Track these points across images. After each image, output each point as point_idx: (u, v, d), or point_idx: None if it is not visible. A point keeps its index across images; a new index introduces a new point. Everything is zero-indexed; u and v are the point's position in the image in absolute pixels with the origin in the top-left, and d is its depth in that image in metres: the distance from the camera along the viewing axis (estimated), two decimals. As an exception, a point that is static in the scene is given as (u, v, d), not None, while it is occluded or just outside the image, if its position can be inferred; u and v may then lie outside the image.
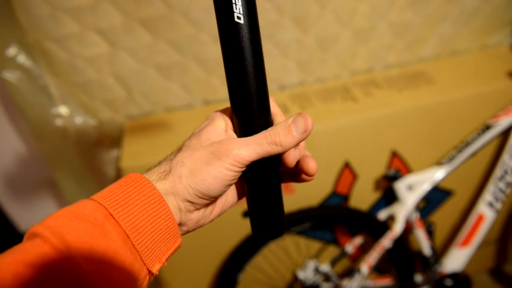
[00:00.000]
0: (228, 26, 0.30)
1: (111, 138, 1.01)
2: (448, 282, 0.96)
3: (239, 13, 0.29)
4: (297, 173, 0.35)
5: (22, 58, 0.89)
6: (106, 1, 0.85)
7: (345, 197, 0.97)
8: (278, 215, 0.35)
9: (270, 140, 0.31)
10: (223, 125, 0.34)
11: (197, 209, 0.32)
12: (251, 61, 0.31)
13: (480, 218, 0.96)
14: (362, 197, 0.98)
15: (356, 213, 0.94)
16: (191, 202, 0.31)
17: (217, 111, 0.36)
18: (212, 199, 0.32)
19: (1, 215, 1.39)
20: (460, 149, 0.92)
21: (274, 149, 0.31)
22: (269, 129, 0.32)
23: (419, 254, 0.98)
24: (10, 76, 0.89)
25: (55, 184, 1.32)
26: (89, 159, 1.02)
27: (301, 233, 1.00)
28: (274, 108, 0.35)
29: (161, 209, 0.29)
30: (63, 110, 0.96)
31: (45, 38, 0.87)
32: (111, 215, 0.28)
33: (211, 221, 0.34)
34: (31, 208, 1.39)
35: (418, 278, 1.01)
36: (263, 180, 0.33)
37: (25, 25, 0.85)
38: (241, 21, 0.29)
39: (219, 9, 0.30)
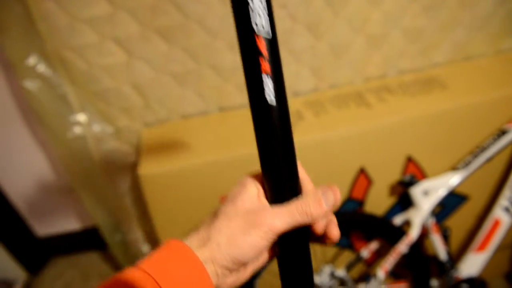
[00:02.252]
0: (261, 108, 0.33)
1: (128, 145, 1.03)
2: (464, 287, 0.96)
3: (271, 97, 0.32)
4: (322, 237, 0.37)
5: (41, 67, 0.91)
6: (123, 11, 0.86)
7: (361, 203, 0.98)
8: (308, 276, 0.37)
9: (302, 211, 0.33)
10: (255, 192, 0.36)
11: (232, 273, 0.34)
12: (281, 138, 0.34)
13: (496, 223, 0.95)
14: (378, 202, 0.98)
15: (372, 218, 0.95)
16: (228, 268, 0.33)
17: (248, 176, 0.38)
18: (246, 264, 0.34)
19: (20, 221, 1.42)
20: (475, 154, 0.92)
21: (304, 220, 0.33)
22: (300, 200, 0.34)
23: (435, 259, 0.98)
24: (30, 85, 0.91)
25: (73, 191, 1.34)
26: (106, 165, 1.04)
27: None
28: (302, 174, 0.37)
29: (203, 278, 0.31)
30: (81, 117, 0.97)
31: (64, 47, 0.89)
32: (159, 285, 0.29)
33: (244, 282, 0.36)
34: (49, 214, 1.42)
35: (434, 283, 1.00)
36: (294, 246, 0.35)
37: (45, 35, 0.87)
38: (274, 104, 0.33)
39: (252, 93, 0.33)
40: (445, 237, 0.97)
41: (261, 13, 0.30)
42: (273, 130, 0.33)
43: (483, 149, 0.92)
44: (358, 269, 1.08)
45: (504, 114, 0.94)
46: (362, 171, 0.94)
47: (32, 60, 0.90)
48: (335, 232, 0.35)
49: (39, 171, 1.31)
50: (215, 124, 0.97)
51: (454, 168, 0.94)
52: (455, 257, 1.09)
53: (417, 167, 0.96)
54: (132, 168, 1.06)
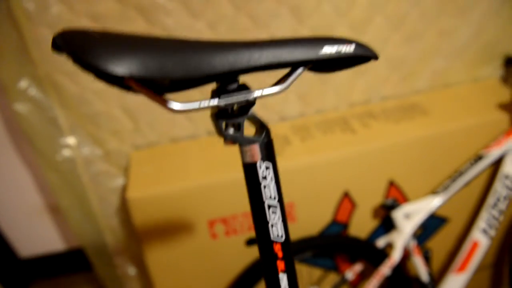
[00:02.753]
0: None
1: (117, 167, 1.04)
2: (446, 308, 0.99)
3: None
4: None
5: (33, 91, 0.92)
6: (116, 38, 0.89)
7: (345, 226, 1.00)
8: None
9: None
10: None
11: None
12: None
13: (475, 245, 0.99)
14: (361, 225, 1.01)
15: (355, 241, 0.97)
16: None
17: None
18: None
19: (2, 241, 1.40)
20: (454, 178, 0.96)
21: None
22: None
23: (417, 280, 1.01)
24: (21, 108, 0.92)
25: (58, 212, 1.34)
26: (95, 187, 1.05)
27: (303, 261, 1.02)
28: None
29: None
30: (71, 140, 0.98)
31: (56, 71, 0.91)
32: None
33: None
34: (33, 235, 1.40)
35: (416, 304, 1.03)
36: None
37: (37, 59, 0.89)
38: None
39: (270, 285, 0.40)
40: (427, 258, 1.00)
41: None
42: None
43: (461, 173, 0.96)
44: (343, 290, 1.10)
45: (480, 140, 0.98)
46: (346, 195, 0.97)
47: (23, 84, 0.91)
48: None
49: (24, 192, 1.30)
50: (204, 148, 0.99)
51: (434, 192, 0.97)
52: (437, 278, 1.12)
53: (399, 191, 0.99)
54: (120, 190, 1.07)
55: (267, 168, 0.38)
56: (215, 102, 0.35)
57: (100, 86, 0.93)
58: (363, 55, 0.39)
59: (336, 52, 0.37)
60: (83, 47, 0.29)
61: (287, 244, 0.38)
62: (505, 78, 1.15)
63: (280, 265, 0.39)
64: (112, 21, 0.87)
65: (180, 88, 0.37)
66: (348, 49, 0.38)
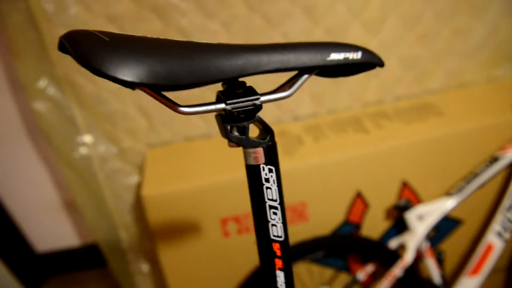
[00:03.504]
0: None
1: (132, 165, 1.06)
2: (459, 310, 0.98)
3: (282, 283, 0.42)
4: None
5: (51, 90, 0.94)
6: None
7: (357, 226, 1.00)
8: None
9: None
10: None
11: None
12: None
13: (489, 248, 0.98)
14: (374, 226, 1.01)
15: (368, 241, 0.97)
16: None
17: None
18: None
19: (19, 237, 1.43)
20: (468, 180, 0.95)
21: None
22: None
23: (429, 282, 1.00)
24: (40, 106, 0.95)
25: (74, 208, 1.37)
26: (110, 184, 1.07)
27: (314, 260, 1.02)
28: None
29: None
30: (87, 138, 1.00)
31: (74, 71, 0.93)
32: None
33: None
34: (49, 230, 1.44)
35: (429, 306, 1.02)
36: None
37: (56, 59, 0.91)
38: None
39: (267, 282, 0.43)
40: (440, 260, 0.99)
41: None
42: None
43: (476, 175, 0.95)
44: (355, 290, 1.10)
45: (496, 141, 0.97)
46: (359, 195, 0.97)
47: (42, 83, 0.93)
48: None
49: (40, 188, 1.33)
50: (217, 147, 1.00)
51: (448, 193, 0.97)
52: (449, 281, 1.11)
53: (412, 192, 0.99)
54: (134, 188, 1.09)
55: (270, 171, 0.39)
56: (222, 106, 0.36)
57: (116, 86, 0.94)
58: (369, 62, 0.39)
59: (343, 59, 0.37)
60: (91, 52, 0.29)
61: (286, 244, 0.40)
62: (521, 79, 1.14)
63: (278, 263, 0.41)
64: (128, 22, 0.88)
65: (188, 88, 0.37)
66: (355, 56, 0.38)
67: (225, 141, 0.39)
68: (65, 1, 0.85)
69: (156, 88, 0.33)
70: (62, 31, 0.87)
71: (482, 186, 0.95)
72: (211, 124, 1.04)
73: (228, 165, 0.93)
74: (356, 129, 0.99)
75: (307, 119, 1.07)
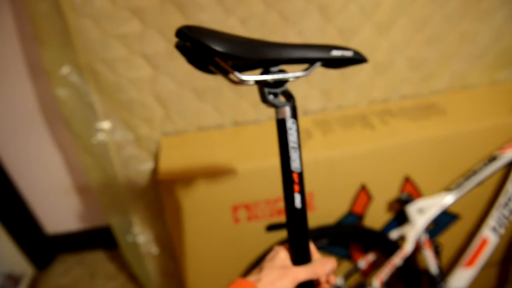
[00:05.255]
0: (292, 211, 0.55)
1: (147, 152, 1.10)
2: (453, 300, 1.04)
3: (299, 203, 0.55)
4: (320, 284, 0.60)
5: (73, 77, 0.98)
6: (153, 30, 0.94)
7: (360, 217, 1.05)
8: None
9: (313, 271, 0.54)
10: (285, 256, 0.56)
11: None
12: (302, 231, 0.56)
13: (484, 242, 1.03)
14: (376, 217, 1.06)
15: (370, 232, 1.02)
16: None
17: (280, 246, 0.58)
18: None
19: (30, 218, 1.47)
20: (467, 177, 1.00)
21: (315, 276, 0.55)
22: (312, 264, 0.56)
23: (426, 272, 1.06)
24: (62, 92, 0.99)
25: (86, 192, 1.41)
26: (125, 170, 1.11)
27: (319, 248, 1.07)
28: (312, 248, 0.58)
29: None
30: (105, 125, 1.04)
31: (96, 59, 0.96)
32: None
33: None
34: (60, 213, 1.48)
35: (425, 295, 1.08)
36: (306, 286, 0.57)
37: (79, 47, 0.95)
38: (300, 208, 0.55)
39: (288, 202, 0.55)
40: (437, 252, 1.05)
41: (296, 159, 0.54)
42: (298, 225, 0.56)
43: (474, 172, 1.00)
44: (355, 278, 1.16)
45: (495, 141, 1.02)
46: (363, 188, 1.02)
47: (65, 70, 0.97)
48: (332, 279, 0.60)
49: (53, 172, 1.37)
50: (230, 137, 1.05)
51: (447, 189, 1.02)
52: (445, 271, 1.17)
53: (414, 186, 1.04)
54: (148, 173, 1.13)
55: (292, 122, 0.53)
56: (265, 77, 0.52)
57: (135, 75, 0.99)
58: (357, 59, 0.57)
59: (341, 55, 0.55)
60: (204, 35, 0.45)
61: (301, 174, 0.54)
62: (523, 82, 1.18)
63: (296, 188, 0.54)
64: (151, 14, 0.92)
65: (240, 70, 0.51)
66: (348, 53, 0.55)
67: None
68: (91, -7, 0.88)
69: (229, 57, 0.47)
70: (87, 21, 0.91)
71: (480, 183, 1.00)
72: (224, 115, 1.08)
73: (240, 155, 0.97)
74: (363, 125, 1.03)
75: (317, 113, 1.11)
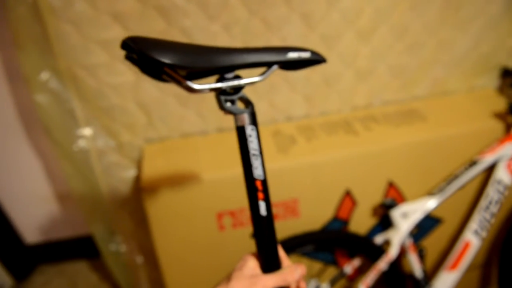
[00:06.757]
0: (258, 219, 0.54)
1: (129, 159, 1.08)
2: (437, 303, 1.04)
3: (264, 210, 0.54)
4: None
5: (53, 83, 0.96)
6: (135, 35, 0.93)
7: (345, 222, 1.06)
8: None
9: (283, 278, 0.53)
10: (254, 264, 0.55)
11: None
12: (269, 237, 0.55)
13: (467, 245, 1.04)
14: (361, 222, 1.06)
15: (355, 237, 1.02)
16: None
17: (249, 254, 0.57)
18: None
19: (9, 227, 1.43)
20: (449, 181, 1.02)
21: (284, 283, 0.53)
22: (281, 271, 0.54)
23: (411, 276, 1.06)
24: (41, 99, 0.96)
25: (66, 200, 1.38)
26: (107, 177, 1.09)
27: (304, 254, 1.07)
28: (282, 254, 0.57)
29: None
30: (86, 132, 1.03)
31: (76, 65, 0.95)
32: None
33: None
34: (40, 222, 1.44)
35: (409, 299, 1.08)
36: None
37: (59, 53, 0.93)
38: (265, 215, 0.54)
39: (253, 209, 0.54)
40: (421, 256, 1.05)
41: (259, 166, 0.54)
42: (265, 233, 0.55)
43: (456, 177, 1.02)
44: (341, 284, 1.15)
45: (475, 146, 1.04)
46: (347, 193, 1.02)
47: (44, 76, 0.95)
48: (303, 286, 0.58)
49: (34, 179, 1.34)
50: (213, 144, 1.04)
51: (430, 193, 1.03)
52: (430, 275, 1.18)
53: (398, 191, 1.05)
54: (131, 181, 1.11)
55: (252, 129, 0.52)
56: (219, 84, 0.50)
57: (117, 81, 0.97)
58: (315, 59, 0.56)
59: (297, 57, 0.54)
60: (149, 47, 0.44)
61: (265, 182, 0.54)
62: (500, 89, 1.21)
63: (260, 195, 0.53)
64: (133, 20, 0.91)
65: (195, 78, 0.51)
66: (306, 55, 0.54)
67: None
68: (71, -3, 0.87)
69: (179, 68, 0.46)
70: (67, 26, 0.90)
71: (461, 187, 1.01)
72: (208, 122, 1.07)
73: (224, 161, 0.97)
74: (346, 131, 1.04)
75: (300, 119, 1.12)
